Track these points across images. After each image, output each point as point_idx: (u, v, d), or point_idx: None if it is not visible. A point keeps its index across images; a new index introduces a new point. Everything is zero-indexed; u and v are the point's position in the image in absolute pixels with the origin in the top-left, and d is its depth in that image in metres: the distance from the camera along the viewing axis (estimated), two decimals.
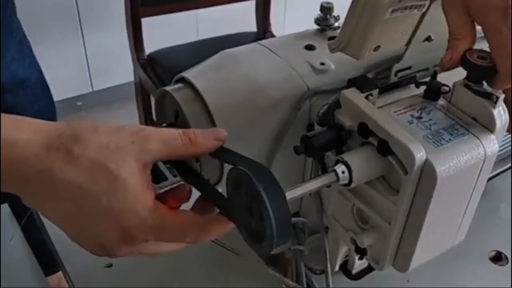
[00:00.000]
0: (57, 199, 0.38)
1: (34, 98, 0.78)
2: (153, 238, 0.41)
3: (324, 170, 0.52)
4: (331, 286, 0.61)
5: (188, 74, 0.53)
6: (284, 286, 0.66)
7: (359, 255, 0.56)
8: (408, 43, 0.56)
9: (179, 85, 0.53)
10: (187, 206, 0.45)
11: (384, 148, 0.46)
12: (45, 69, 0.85)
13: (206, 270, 0.69)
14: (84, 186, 0.37)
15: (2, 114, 0.38)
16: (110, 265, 0.66)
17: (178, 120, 0.53)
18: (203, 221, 0.43)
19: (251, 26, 1.94)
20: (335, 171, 0.46)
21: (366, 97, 0.49)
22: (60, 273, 0.69)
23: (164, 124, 0.54)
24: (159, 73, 1.65)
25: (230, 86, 0.53)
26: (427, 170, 0.44)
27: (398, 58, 0.57)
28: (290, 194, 0.42)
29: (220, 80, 0.53)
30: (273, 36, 1.91)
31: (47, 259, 0.68)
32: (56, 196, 0.38)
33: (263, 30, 1.92)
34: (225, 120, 0.51)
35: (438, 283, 0.71)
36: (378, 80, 0.59)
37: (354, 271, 0.68)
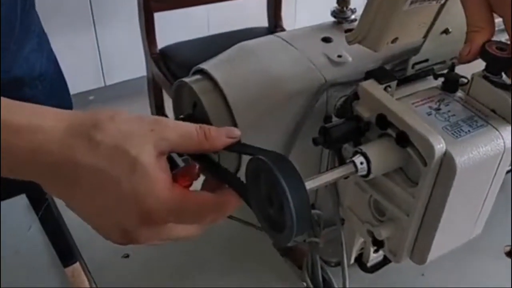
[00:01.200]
0: (79, 185, 0.38)
1: (52, 92, 0.79)
2: (173, 220, 0.41)
3: (342, 162, 0.52)
4: (347, 278, 0.61)
5: (206, 65, 0.53)
6: (304, 284, 0.66)
7: (375, 248, 0.57)
8: (425, 36, 0.56)
9: (197, 76, 0.53)
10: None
11: (403, 139, 0.46)
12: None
13: (223, 262, 0.69)
14: (105, 171, 0.38)
15: (25, 103, 0.38)
16: (127, 256, 0.67)
17: (195, 111, 0.53)
18: (221, 199, 0.43)
19: (262, 21, 1.93)
20: (353, 162, 0.46)
21: (385, 89, 0.49)
22: (76, 264, 0.69)
23: (182, 116, 0.54)
24: (171, 68, 1.65)
25: (248, 77, 0.53)
26: (447, 161, 0.44)
27: (415, 50, 0.57)
28: (309, 185, 0.42)
29: (238, 72, 0.53)
30: (284, 31, 1.91)
31: (64, 250, 0.69)
32: (78, 182, 0.38)
33: (275, 25, 1.92)
34: (243, 112, 0.51)
35: (453, 277, 0.70)
36: (395, 72, 0.58)
37: (369, 264, 0.68)
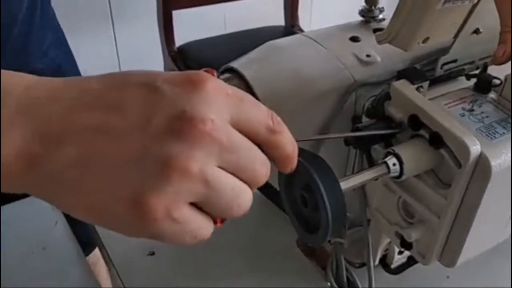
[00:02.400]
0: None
1: None
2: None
3: (371, 163, 0.52)
4: (373, 279, 0.61)
5: (236, 64, 0.53)
6: (328, 285, 0.66)
7: (402, 249, 0.56)
8: (456, 35, 0.55)
9: (227, 75, 0.53)
10: None
11: (436, 140, 0.45)
12: (76, 61, 0.86)
13: (246, 262, 0.69)
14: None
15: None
16: (153, 253, 0.67)
17: None
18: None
19: (279, 20, 1.93)
20: (386, 163, 0.45)
21: (417, 89, 0.49)
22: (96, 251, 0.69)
23: None
24: (189, 66, 1.65)
25: (277, 76, 0.53)
26: (482, 163, 0.43)
27: (444, 50, 0.57)
28: (343, 185, 0.42)
29: (268, 71, 0.53)
30: (301, 30, 1.90)
31: (89, 244, 0.69)
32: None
33: (291, 24, 1.92)
34: (272, 110, 0.51)
35: (478, 280, 0.70)
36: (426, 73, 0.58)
37: (393, 266, 0.67)
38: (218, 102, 0.30)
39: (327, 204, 0.37)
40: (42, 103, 0.30)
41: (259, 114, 0.33)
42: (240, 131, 0.32)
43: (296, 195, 0.41)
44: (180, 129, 0.29)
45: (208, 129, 0.29)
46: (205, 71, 0.33)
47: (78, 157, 0.29)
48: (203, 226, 0.32)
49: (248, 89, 0.51)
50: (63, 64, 0.78)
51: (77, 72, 0.84)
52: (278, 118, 0.34)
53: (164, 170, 0.28)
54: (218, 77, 0.34)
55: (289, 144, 0.34)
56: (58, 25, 0.79)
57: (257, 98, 0.51)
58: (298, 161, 0.39)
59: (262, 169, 0.33)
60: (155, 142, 0.29)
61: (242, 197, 0.32)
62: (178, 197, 0.29)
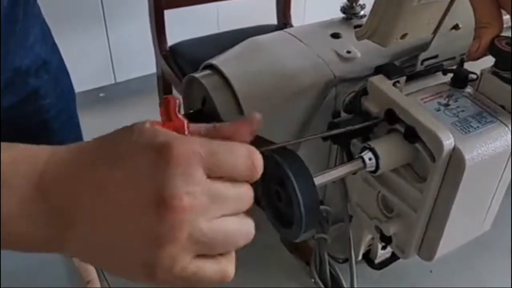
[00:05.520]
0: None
1: (56, 82, 0.79)
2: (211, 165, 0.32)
3: (350, 157, 0.52)
4: (355, 275, 0.61)
5: (216, 61, 0.53)
6: (312, 281, 0.66)
7: (383, 244, 0.57)
8: (435, 31, 0.55)
9: (207, 71, 0.54)
10: None
11: (411, 134, 0.46)
12: (68, 60, 0.86)
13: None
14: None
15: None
16: None
17: (205, 107, 0.54)
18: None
19: (272, 19, 1.93)
20: (362, 158, 0.46)
21: (394, 84, 0.49)
22: None
23: (191, 111, 0.54)
24: (181, 65, 1.66)
25: (257, 73, 0.53)
26: (456, 157, 0.44)
27: (424, 46, 0.57)
28: (317, 180, 0.42)
29: (247, 67, 0.54)
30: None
31: None
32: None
33: (284, 23, 1.92)
34: (252, 106, 0.51)
35: (461, 274, 0.70)
36: (404, 69, 0.58)
37: (376, 261, 0.68)
38: (191, 169, 0.32)
39: (300, 198, 0.38)
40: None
41: (238, 160, 0.34)
42: (223, 179, 0.33)
43: (271, 190, 0.42)
44: (159, 212, 0.31)
45: (185, 203, 0.31)
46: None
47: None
48: (215, 269, 0.34)
49: (228, 85, 0.52)
50: (49, 60, 0.78)
51: (63, 67, 0.84)
52: (257, 155, 0.35)
53: (158, 244, 0.31)
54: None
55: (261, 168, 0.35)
56: (44, 21, 0.79)
57: (236, 95, 0.51)
58: (272, 157, 0.39)
59: (248, 203, 0.35)
60: (143, 222, 0.31)
61: (239, 235, 0.34)
62: (176, 262, 0.32)
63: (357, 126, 0.47)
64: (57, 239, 0.33)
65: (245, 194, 0.35)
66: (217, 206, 0.33)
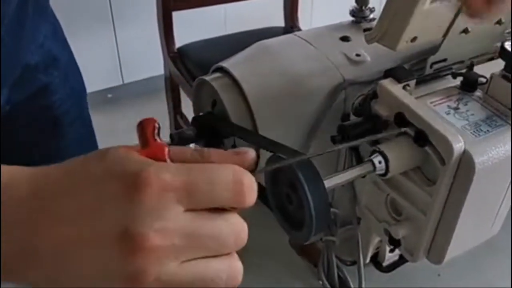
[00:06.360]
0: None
1: (67, 77, 0.79)
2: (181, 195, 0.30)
3: (359, 161, 0.53)
4: (363, 277, 0.61)
5: (226, 63, 0.54)
6: (320, 283, 0.66)
7: (391, 247, 0.57)
8: (444, 35, 0.55)
9: (217, 74, 0.54)
10: None
11: (421, 138, 0.46)
12: (76, 61, 0.87)
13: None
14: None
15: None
16: None
17: (215, 109, 0.54)
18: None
19: (279, 21, 1.94)
20: (371, 161, 0.46)
21: (403, 88, 0.50)
22: None
23: (201, 113, 0.55)
24: (189, 67, 1.66)
25: (267, 75, 0.54)
26: (466, 160, 0.44)
27: (434, 50, 0.57)
28: (327, 183, 0.42)
29: (257, 70, 0.54)
30: (300, 31, 1.90)
31: None
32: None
33: (291, 25, 1.92)
34: (262, 109, 0.51)
35: (469, 278, 0.70)
36: (413, 72, 0.58)
37: (384, 264, 0.68)
38: (163, 202, 0.29)
39: (311, 201, 0.38)
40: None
41: (221, 187, 0.31)
42: (205, 212, 0.31)
43: (281, 192, 0.42)
44: (123, 250, 0.29)
45: (152, 243, 0.28)
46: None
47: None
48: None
49: (238, 88, 0.52)
50: (59, 57, 0.78)
51: (73, 63, 0.84)
52: (246, 178, 0.31)
53: (122, 284, 0.29)
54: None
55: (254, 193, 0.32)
56: (55, 18, 0.79)
57: (246, 97, 0.51)
58: (283, 159, 0.40)
59: (236, 241, 0.31)
60: (107, 258, 0.29)
61: (219, 282, 0.31)
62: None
63: (372, 137, 0.47)
64: (19, 271, 0.31)
65: (232, 229, 0.31)
66: (192, 246, 0.29)
